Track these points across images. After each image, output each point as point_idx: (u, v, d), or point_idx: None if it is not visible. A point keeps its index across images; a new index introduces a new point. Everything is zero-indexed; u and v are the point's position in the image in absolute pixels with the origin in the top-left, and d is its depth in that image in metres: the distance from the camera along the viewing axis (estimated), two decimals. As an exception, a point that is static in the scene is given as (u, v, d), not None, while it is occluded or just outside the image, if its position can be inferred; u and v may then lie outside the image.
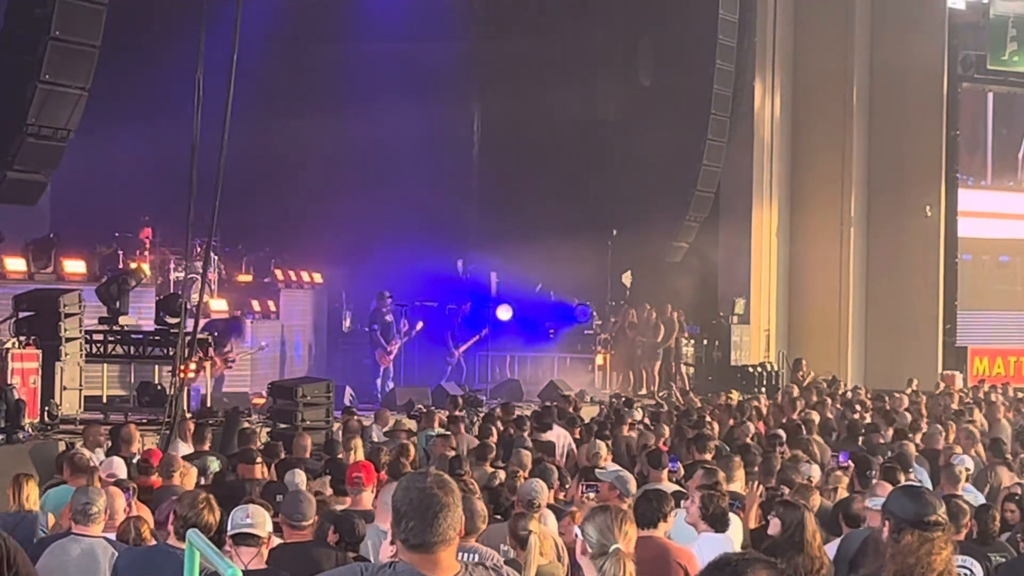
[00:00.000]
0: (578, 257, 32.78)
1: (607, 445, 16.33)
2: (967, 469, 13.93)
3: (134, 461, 14.20)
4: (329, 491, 12.81)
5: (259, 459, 14.11)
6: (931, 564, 5.91)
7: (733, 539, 10.10)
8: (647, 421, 21.47)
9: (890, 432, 19.70)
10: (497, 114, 34.71)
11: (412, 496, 5.12)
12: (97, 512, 9.54)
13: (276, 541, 9.16)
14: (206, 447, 16.44)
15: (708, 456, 14.88)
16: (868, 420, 21.61)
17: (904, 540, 6.06)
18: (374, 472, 12.10)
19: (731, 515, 10.89)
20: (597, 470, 12.75)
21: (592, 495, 11.32)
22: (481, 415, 22.74)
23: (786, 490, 12.36)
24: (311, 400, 20.09)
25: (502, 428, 19.74)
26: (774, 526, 9.45)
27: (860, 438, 19.06)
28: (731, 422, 20.96)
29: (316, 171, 32.44)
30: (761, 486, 12.11)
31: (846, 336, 37.49)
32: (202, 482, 13.40)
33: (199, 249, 22.83)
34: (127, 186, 28.00)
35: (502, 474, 13.66)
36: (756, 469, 13.80)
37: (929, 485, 13.69)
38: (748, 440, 17.77)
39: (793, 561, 8.71)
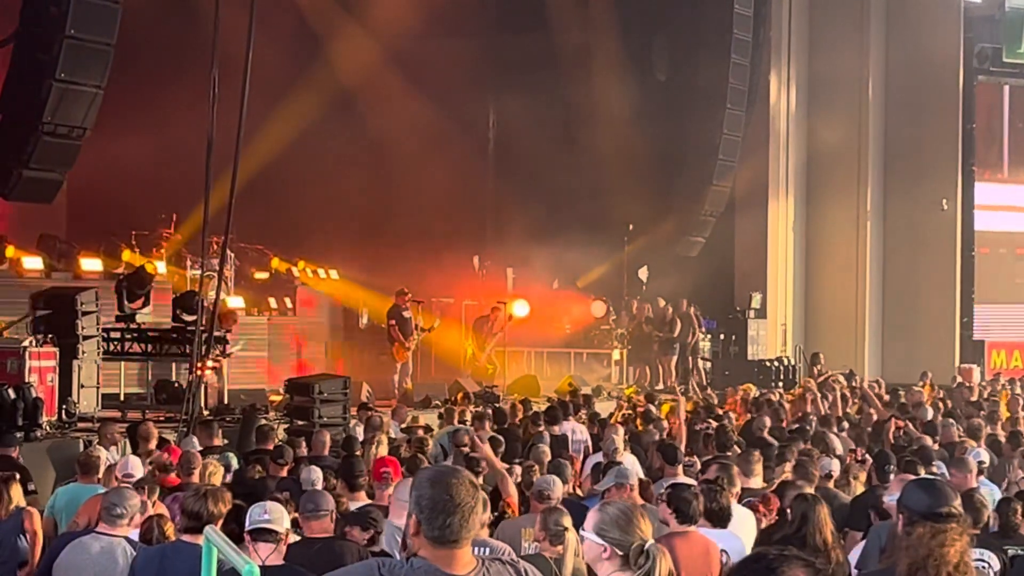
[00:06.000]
0: (594, 252, 32.79)
1: (624, 439, 16.35)
2: (981, 462, 13.89)
3: (151, 459, 14.22)
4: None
5: (288, 460, 14.15)
6: (943, 556, 5.88)
7: (741, 535, 10.07)
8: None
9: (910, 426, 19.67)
10: (513, 110, 34.68)
11: (453, 492, 5.06)
12: (121, 514, 9.54)
13: (295, 538, 9.18)
14: (215, 443, 16.45)
15: (729, 453, 14.85)
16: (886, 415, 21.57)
17: (916, 532, 6.04)
18: (400, 468, 12.13)
19: (744, 510, 10.88)
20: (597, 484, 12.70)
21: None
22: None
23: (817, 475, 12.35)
24: (328, 397, 20.13)
25: (519, 423, 19.78)
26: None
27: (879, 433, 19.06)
28: (745, 416, 20.93)
29: (332, 167, 32.44)
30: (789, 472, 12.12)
31: (863, 330, 37.42)
32: (228, 479, 13.39)
33: (215, 246, 22.88)
34: (144, 184, 28.04)
35: (518, 469, 13.65)
36: (772, 463, 13.78)
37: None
38: (764, 434, 17.75)
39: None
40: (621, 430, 17.71)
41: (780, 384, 31.86)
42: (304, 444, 15.94)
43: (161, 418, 19.90)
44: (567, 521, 8.97)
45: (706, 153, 33.24)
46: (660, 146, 33.04)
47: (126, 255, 26.63)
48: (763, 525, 10.93)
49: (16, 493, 11.41)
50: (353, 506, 10.91)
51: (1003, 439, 17.71)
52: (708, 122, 33.02)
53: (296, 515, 9.73)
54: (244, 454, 15.99)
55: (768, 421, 19.17)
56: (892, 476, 12.23)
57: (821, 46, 37.31)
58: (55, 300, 20.52)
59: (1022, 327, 39.54)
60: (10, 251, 24.68)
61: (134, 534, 9.63)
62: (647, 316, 32.27)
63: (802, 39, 37.23)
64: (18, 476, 11.93)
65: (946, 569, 5.88)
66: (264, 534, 8.38)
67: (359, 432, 18.06)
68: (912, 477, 11.10)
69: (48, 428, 18.06)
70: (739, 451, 14.82)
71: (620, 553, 5.97)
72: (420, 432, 17.88)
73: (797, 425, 19.11)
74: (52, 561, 9.57)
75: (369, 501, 11.45)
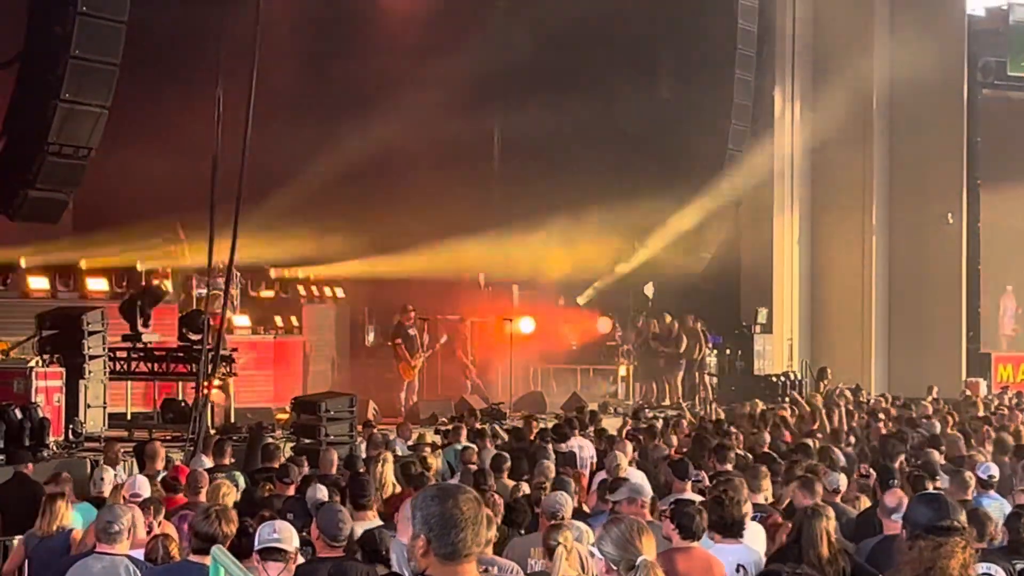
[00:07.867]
0: (599, 268, 32.76)
1: (629, 456, 16.32)
2: (991, 476, 13.86)
3: (159, 478, 14.24)
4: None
5: (294, 479, 14.15)
6: (944, 569, 5.89)
7: (755, 548, 10.07)
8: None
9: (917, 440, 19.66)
10: (517, 126, 34.67)
11: (462, 507, 5.08)
12: (119, 530, 9.55)
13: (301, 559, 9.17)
14: (226, 461, 16.44)
15: (729, 466, 14.83)
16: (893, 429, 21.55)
17: (918, 545, 6.06)
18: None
19: (755, 525, 10.87)
20: (608, 495, 12.68)
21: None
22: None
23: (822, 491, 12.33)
24: (335, 415, 20.12)
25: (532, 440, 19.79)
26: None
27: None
28: (753, 431, 20.93)
29: (337, 184, 32.40)
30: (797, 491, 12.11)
31: (869, 344, 37.40)
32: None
33: (221, 265, 22.87)
34: (150, 202, 28.03)
35: (526, 487, 13.63)
36: (779, 479, 13.77)
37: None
38: (766, 449, 17.74)
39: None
40: (629, 446, 17.70)
41: (787, 399, 31.80)
42: (305, 462, 15.92)
43: (168, 437, 19.91)
44: (562, 536, 8.99)
45: (711, 168, 33.23)
46: (665, 162, 33.01)
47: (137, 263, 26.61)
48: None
49: (64, 511, 11.44)
50: (360, 527, 10.83)
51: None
52: (713, 137, 33.02)
53: (304, 534, 9.71)
54: (250, 473, 16.00)
55: (768, 437, 19.17)
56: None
57: (825, 61, 37.30)
58: (61, 320, 20.54)
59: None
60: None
61: (137, 553, 9.63)
62: (653, 332, 32.23)
63: (806, 54, 37.25)
64: (65, 494, 11.95)
65: (947, 583, 5.89)
66: (273, 553, 8.36)
67: (363, 450, 18.07)
68: (898, 491, 11.12)
69: (55, 448, 18.07)
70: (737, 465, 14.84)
71: (615, 568, 6.28)
72: (427, 450, 17.87)
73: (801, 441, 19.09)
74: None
75: (379, 522, 11.40)
